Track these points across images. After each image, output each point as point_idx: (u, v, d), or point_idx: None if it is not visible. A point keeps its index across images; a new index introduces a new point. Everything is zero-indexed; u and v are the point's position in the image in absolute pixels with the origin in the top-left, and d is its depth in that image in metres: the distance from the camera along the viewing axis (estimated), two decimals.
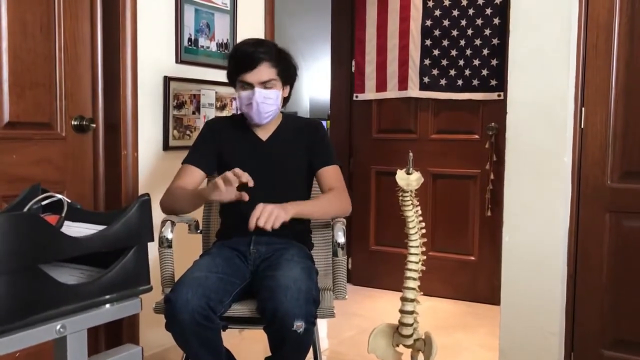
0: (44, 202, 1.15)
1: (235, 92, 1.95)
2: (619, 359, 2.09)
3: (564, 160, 2.11)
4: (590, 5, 2.07)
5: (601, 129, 2.08)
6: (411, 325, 1.83)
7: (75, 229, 1.06)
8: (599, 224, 2.10)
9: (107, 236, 1.01)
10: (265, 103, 1.89)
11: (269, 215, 1.67)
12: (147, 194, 1.08)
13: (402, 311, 1.83)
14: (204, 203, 2.06)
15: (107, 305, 1.01)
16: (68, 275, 1.02)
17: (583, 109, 2.10)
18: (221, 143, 1.98)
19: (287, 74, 1.96)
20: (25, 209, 1.11)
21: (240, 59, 1.89)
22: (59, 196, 1.12)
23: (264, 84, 1.88)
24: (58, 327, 0.94)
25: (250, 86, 1.88)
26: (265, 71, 1.88)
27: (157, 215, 1.53)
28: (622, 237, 2.08)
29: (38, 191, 1.17)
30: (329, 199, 1.92)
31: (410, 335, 1.84)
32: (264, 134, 2.00)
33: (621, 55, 2.04)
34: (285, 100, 2.03)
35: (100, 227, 1.06)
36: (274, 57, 1.90)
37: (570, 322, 2.16)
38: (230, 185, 1.67)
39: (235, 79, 1.93)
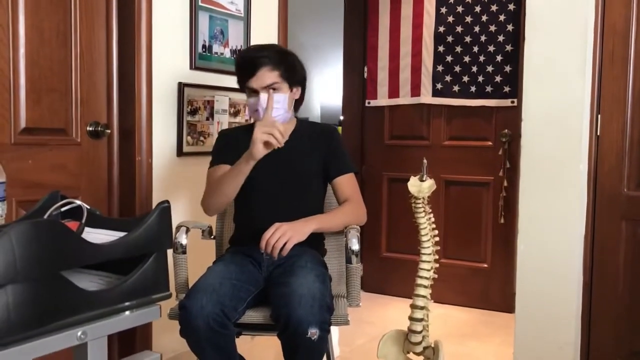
0: (63, 209, 1.15)
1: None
2: None
3: (580, 168, 2.09)
4: (607, 13, 2.06)
5: (617, 137, 2.07)
6: (420, 332, 1.82)
7: (94, 235, 1.06)
8: (615, 232, 2.09)
9: (128, 243, 1.01)
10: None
11: (279, 240, 1.71)
12: (167, 201, 1.09)
13: (411, 318, 1.83)
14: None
15: (127, 312, 1.01)
16: (88, 282, 1.02)
17: (599, 116, 2.09)
18: (236, 151, 1.98)
19: (292, 74, 1.92)
20: (46, 216, 1.11)
21: (241, 65, 1.91)
22: (79, 202, 1.13)
23: (268, 88, 1.85)
24: (79, 333, 0.94)
25: (256, 92, 1.87)
26: (266, 75, 1.85)
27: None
28: (639, 246, 2.06)
29: (57, 198, 1.18)
30: (346, 212, 1.92)
31: (419, 343, 1.83)
32: None
33: (638, 63, 2.03)
34: (298, 103, 2.01)
35: (119, 234, 1.06)
36: (274, 59, 1.87)
37: (586, 332, 2.14)
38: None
39: (243, 87, 1.93)
